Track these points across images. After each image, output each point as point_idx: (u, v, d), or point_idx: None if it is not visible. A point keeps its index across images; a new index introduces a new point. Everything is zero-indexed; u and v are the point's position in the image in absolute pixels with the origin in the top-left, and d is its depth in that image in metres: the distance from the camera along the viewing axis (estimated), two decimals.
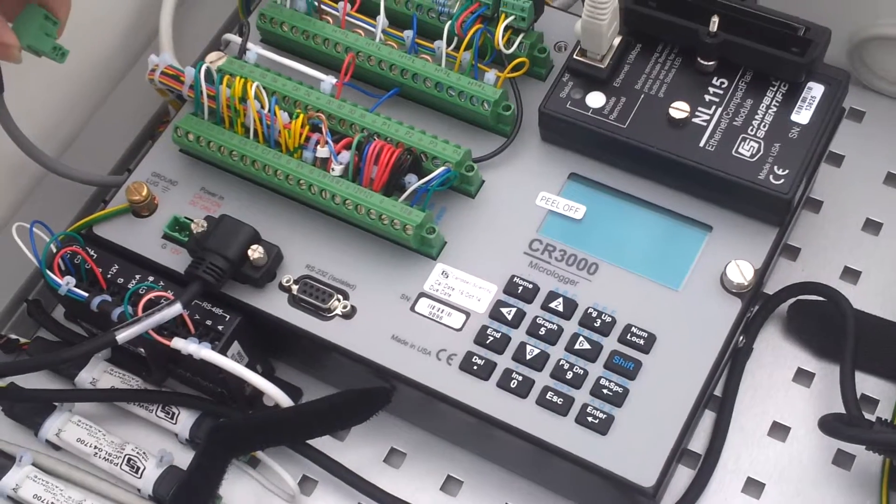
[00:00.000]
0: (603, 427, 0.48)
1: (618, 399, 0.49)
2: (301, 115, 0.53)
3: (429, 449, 0.55)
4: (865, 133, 0.61)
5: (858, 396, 0.52)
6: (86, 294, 0.53)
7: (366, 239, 0.54)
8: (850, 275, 0.58)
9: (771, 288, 0.57)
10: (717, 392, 0.55)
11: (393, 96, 0.56)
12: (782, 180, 0.50)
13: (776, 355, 0.56)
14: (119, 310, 0.52)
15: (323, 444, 0.55)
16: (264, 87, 0.54)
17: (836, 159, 0.61)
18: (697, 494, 0.52)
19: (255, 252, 0.52)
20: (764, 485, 0.53)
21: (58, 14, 0.49)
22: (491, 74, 0.54)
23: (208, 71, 0.55)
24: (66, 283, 0.53)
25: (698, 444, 0.54)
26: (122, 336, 0.50)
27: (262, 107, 0.54)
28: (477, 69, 0.55)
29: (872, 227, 0.59)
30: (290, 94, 0.55)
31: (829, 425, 0.48)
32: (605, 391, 0.49)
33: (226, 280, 0.52)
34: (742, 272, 0.50)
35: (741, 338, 0.55)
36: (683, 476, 0.53)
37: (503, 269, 0.52)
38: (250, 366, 0.54)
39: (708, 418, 0.55)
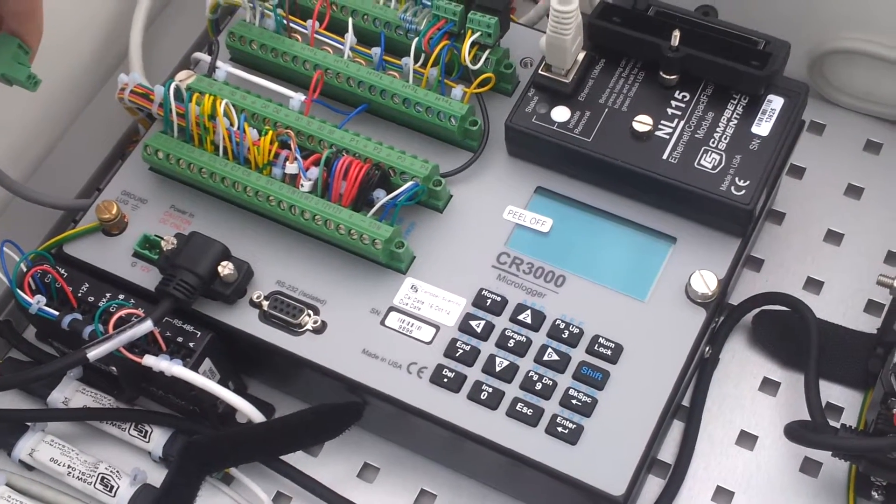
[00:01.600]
0: (573, 437, 0.49)
1: (587, 409, 0.49)
2: (270, 132, 0.54)
3: (402, 463, 0.56)
4: (826, 146, 0.62)
5: (823, 404, 0.53)
6: (56, 313, 0.53)
7: (335, 254, 0.54)
8: (813, 285, 0.59)
9: (736, 299, 0.57)
10: (686, 402, 0.56)
11: (361, 113, 0.56)
12: (743, 191, 0.51)
13: (742, 365, 0.57)
14: (90, 328, 0.52)
15: (296, 459, 0.55)
16: (233, 105, 0.55)
17: (798, 172, 0.62)
18: (668, 503, 0.53)
19: (226, 268, 0.52)
20: (733, 493, 0.54)
21: (30, 43, 0.50)
22: (458, 90, 0.55)
23: (178, 89, 0.55)
24: (37, 302, 0.53)
25: (668, 453, 0.55)
26: (94, 353, 0.50)
27: (232, 124, 0.54)
28: (444, 85, 0.55)
29: (834, 237, 0.60)
30: (259, 112, 0.55)
31: (795, 432, 0.49)
32: (573, 401, 0.49)
33: (196, 297, 0.52)
34: (706, 282, 0.51)
35: (707, 348, 0.56)
36: (654, 486, 0.54)
37: (472, 282, 0.53)
38: (222, 382, 0.54)
39: (677, 429, 0.55)
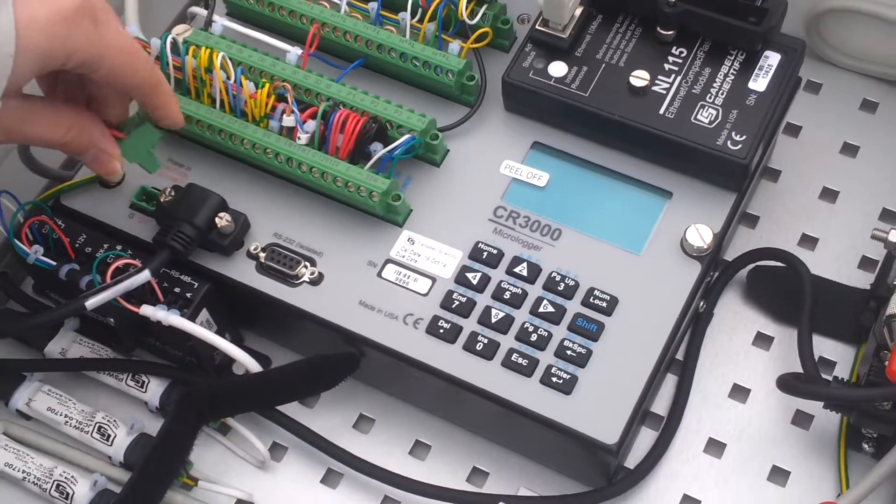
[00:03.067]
0: (567, 387, 0.49)
1: (581, 360, 0.50)
2: (267, 85, 0.54)
3: (397, 414, 0.56)
4: (822, 105, 0.63)
5: (816, 358, 0.54)
6: (54, 263, 0.53)
7: (332, 207, 0.54)
8: (808, 241, 0.59)
9: (731, 255, 0.58)
10: (680, 356, 0.56)
11: (358, 67, 0.56)
12: (740, 146, 0.51)
13: (736, 320, 0.57)
14: (87, 278, 0.52)
15: (292, 410, 0.55)
16: (230, 58, 0.55)
17: (794, 130, 0.62)
18: (661, 454, 0.53)
19: (223, 220, 0.52)
20: (725, 444, 0.54)
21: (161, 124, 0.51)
22: (455, 45, 0.55)
23: (174, 42, 0.55)
24: (35, 252, 0.53)
25: (661, 406, 0.55)
26: (91, 302, 0.50)
27: (228, 77, 0.54)
28: (441, 40, 0.55)
29: (829, 195, 0.60)
30: (255, 65, 0.55)
31: (787, 383, 0.50)
32: (568, 352, 0.50)
33: (194, 248, 0.53)
34: (701, 236, 0.51)
35: (702, 303, 0.56)
36: (647, 437, 0.54)
37: (468, 235, 0.53)
38: (219, 334, 0.54)
39: (671, 382, 0.56)
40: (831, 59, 0.63)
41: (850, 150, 0.61)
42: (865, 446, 0.52)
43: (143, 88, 0.48)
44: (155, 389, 0.56)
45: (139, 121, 0.51)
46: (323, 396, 0.57)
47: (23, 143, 0.53)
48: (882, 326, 0.47)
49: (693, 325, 0.56)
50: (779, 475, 0.53)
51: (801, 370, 0.52)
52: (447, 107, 0.56)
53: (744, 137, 0.51)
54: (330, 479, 0.55)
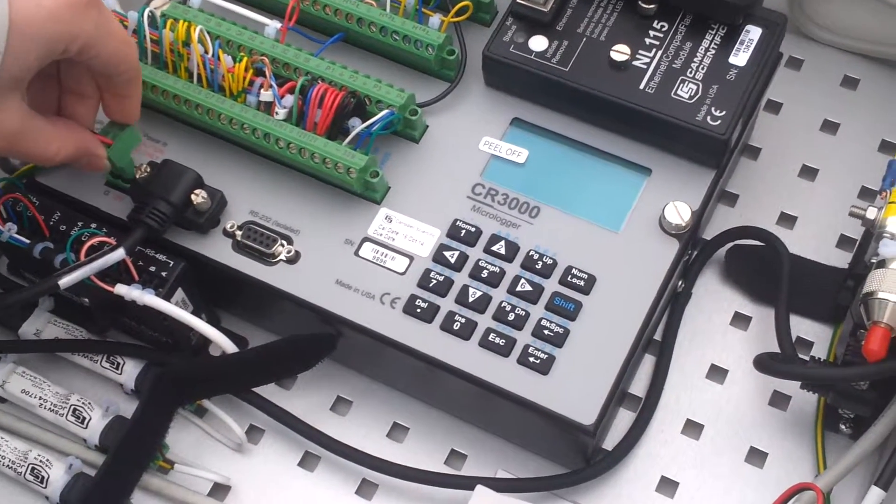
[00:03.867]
0: (544, 367, 0.49)
1: (559, 339, 0.49)
2: (245, 59, 0.53)
3: (375, 396, 0.56)
4: (803, 81, 0.62)
5: (794, 338, 0.54)
6: (28, 241, 0.52)
7: (310, 184, 0.54)
8: (787, 220, 0.59)
9: (710, 234, 0.57)
10: (658, 337, 0.56)
11: (337, 41, 0.56)
12: (719, 121, 0.51)
13: (714, 300, 0.57)
14: (62, 256, 0.52)
15: (269, 392, 0.55)
16: (208, 32, 0.54)
17: (775, 107, 0.62)
18: (638, 435, 0.53)
19: (199, 197, 0.52)
20: (703, 426, 0.54)
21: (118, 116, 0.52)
22: (435, 19, 0.54)
23: (152, 15, 0.54)
24: (8, 230, 0.52)
25: (639, 387, 0.55)
26: (65, 281, 0.50)
27: (206, 51, 0.54)
28: (421, 14, 0.55)
29: (809, 173, 0.60)
30: (234, 39, 0.55)
31: (764, 363, 0.49)
32: (546, 332, 0.49)
33: (169, 225, 0.52)
34: (680, 213, 0.51)
35: (680, 283, 0.56)
36: (625, 418, 0.54)
37: (446, 213, 0.53)
38: (195, 314, 0.54)
39: (648, 362, 0.56)
40: (813, 35, 0.63)
41: (830, 127, 0.61)
42: (843, 427, 0.52)
43: (129, 75, 0.49)
44: (130, 371, 0.55)
45: (121, 125, 0.52)
46: (300, 378, 0.56)
47: (17, 158, 0.54)
48: (859, 305, 0.47)
49: (671, 304, 0.56)
50: (756, 456, 0.53)
51: (778, 350, 0.52)
52: (427, 82, 0.56)
53: (723, 113, 0.51)
54: (308, 461, 0.55)
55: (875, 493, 0.47)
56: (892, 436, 0.50)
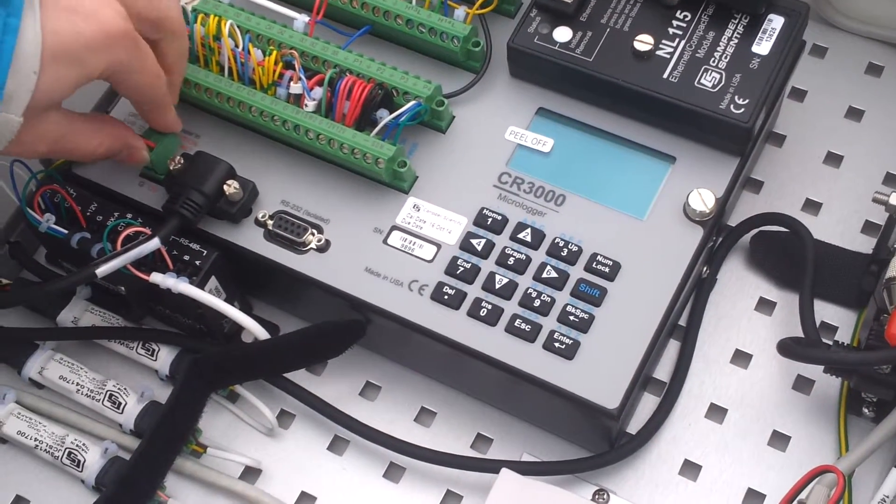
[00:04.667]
0: (569, 352, 0.50)
1: (584, 325, 0.50)
2: (274, 53, 0.54)
3: (403, 382, 0.57)
4: (827, 69, 0.63)
5: (818, 323, 0.54)
6: (65, 231, 0.54)
7: (339, 174, 0.55)
8: (812, 206, 0.59)
9: (734, 220, 0.58)
10: (682, 322, 0.56)
11: (364, 34, 0.57)
12: (742, 109, 0.51)
13: (739, 285, 0.57)
14: (98, 246, 0.53)
15: (300, 378, 0.56)
16: (238, 26, 0.55)
17: (800, 94, 0.62)
18: (662, 419, 0.54)
19: (231, 187, 0.53)
20: (726, 410, 0.55)
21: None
22: (461, 11, 0.55)
23: (183, 10, 0.55)
24: (47, 221, 0.54)
25: (664, 372, 0.56)
26: (102, 270, 0.51)
27: (237, 45, 0.55)
28: (447, 6, 0.55)
29: (833, 159, 0.60)
30: (263, 33, 0.56)
31: (787, 347, 0.50)
32: (571, 318, 0.50)
33: (202, 215, 0.53)
34: (704, 200, 0.52)
35: (705, 269, 0.56)
36: (650, 403, 0.55)
37: (473, 201, 0.53)
38: (228, 302, 0.55)
39: (673, 348, 0.56)
40: (837, 23, 0.63)
41: (855, 114, 0.61)
42: (865, 411, 0.53)
43: (155, 104, 0.52)
44: (165, 358, 0.56)
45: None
46: (330, 364, 0.57)
47: (63, 158, 0.56)
48: (882, 290, 0.48)
49: (696, 290, 0.56)
50: (779, 440, 0.54)
51: (802, 335, 0.53)
52: (453, 73, 0.56)
53: (746, 101, 0.51)
54: (337, 445, 0.56)
55: (895, 475, 0.48)
56: None
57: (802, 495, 0.48)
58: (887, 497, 0.48)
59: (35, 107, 0.45)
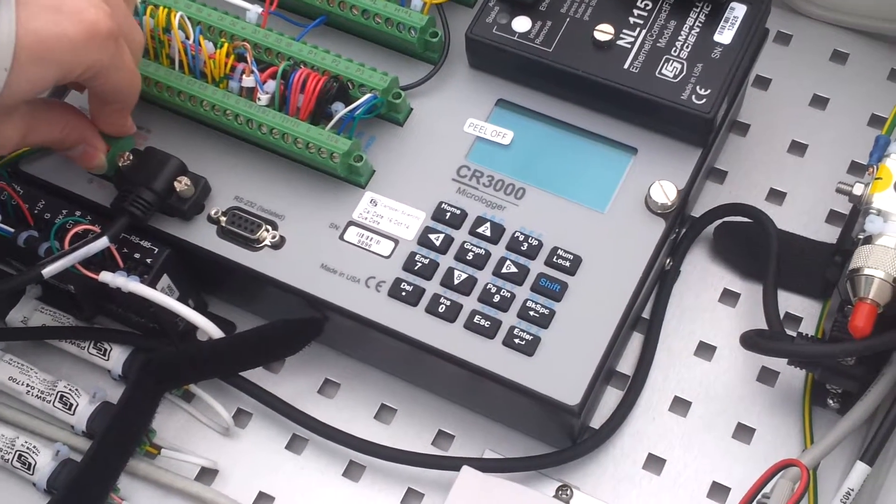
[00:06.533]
0: (529, 348, 0.49)
1: (544, 321, 0.49)
2: (226, 45, 0.53)
3: (362, 379, 0.56)
4: (792, 56, 0.62)
5: (782, 314, 0.54)
6: (12, 230, 0.52)
7: (294, 169, 0.53)
8: (776, 196, 0.59)
9: (699, 211, 0.57)
10: (646, 314, 0.56)
11: (319, 25, 0.55)
12: (704, 100, 0.50)
13: (703, 277, 0.57)
14: (46, 245, 0.51)
15: (257, 376, 0.55)
16: (189, 18, 0.54)
17: (764, 83, 0.61)
18: (626, 413, 0.53)
19: (182, 184, 0.52)
20: (690, 403, 0.54)
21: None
22: (418, 1, 0.54)
23: None
24: None
25: (628, 365, 0.55)
26: (49, 269, 0.50)
27: (187, 37, 0.53)
28: None
29: (798, 148, 0.60)
30: (215, 24, 0.54)
31: (750, 340, 0.49)
32: (531, 313, 0.49)
33: (153, 213, 0.52)
34: (665, 192, 0.51)
35: (668, 260, 0.56)
36: (614, 396, 0.54)
37: (431, 195, 0.52)
38: (182, 300, 0.54)
39: (637, 340, 0.55)
40: (801, 10, 0.62)
41: (819, 102, 0.61)
42: (831, 402, 0.52)
43: (126, 104, 0.50)
44: (118, 357, 0.55)
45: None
46: (287, 362, 0.56)
47: (29, 146, 0.54)
48: (845, 281, 0.47)
49: (659, 282, 0.56)
50: (744, 432, 0.53)
51: (766, 327, 0.52)
52: (411, 64, 0.55)
53: (708, 91, 0.51)
54: (295, 444, 0.55)
55: (860, 468, 0.47)
56: (879, 411, 0.50)
57: (766, 489, 0.48)
58: (852, 490, 0.47)
59: (2, 104, 0.44)
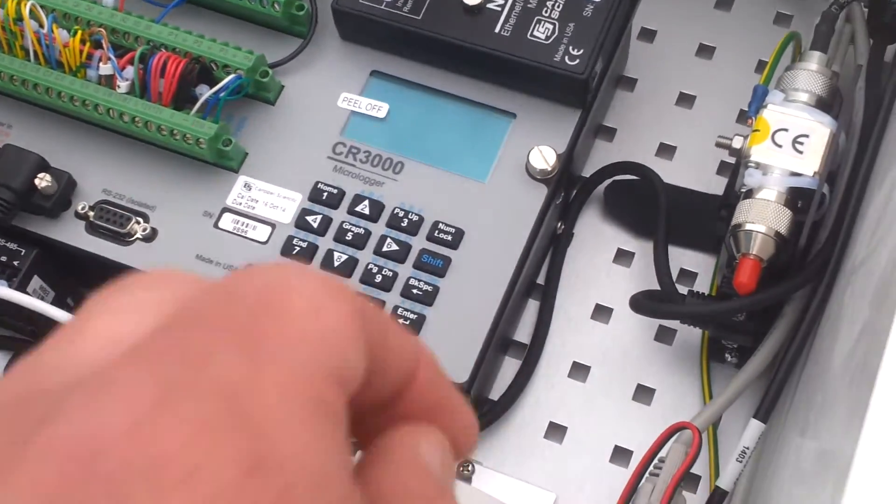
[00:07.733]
0: (415, 327, 0.47)
1: (428, 298, 0.48)
2: (80, 32, 0.51)
3: None
4: (676, 6, 0.60)
5: (677, 271, 0.53)
6: None
7: (163, 157, 0.51)
8: (666, 151, 0.57)
9: (589, 171, 0.56)
10: (541, 280, 0.55)
11: (181, 5, 0.53)
12: (577, 61, 0.49)
13: (596, 239, 0.56)
14: None
15: None
16: (41, 6, 0.51)
17: (649, 35, 0.60)
18: (524, 383, 0.52)
19: (43, 181, 0.49)
20: (589, 367, 0.53)
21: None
22: None
23: None
24: None
25: (525, 334, 0.54)
26: None
27: (41, 26, 0.51)
28: None
29: (686, 100, 0.58)
30: (69, 11, 0.52)
31: (639, 303, 0.49)
32: (415, 291, 0.48)
33: (15, 213, 0.50)
34: (545, 158, 0.49)
35: (560, 224, 0.54)
36: (512, 366, 0.53)
37: (307, 176, 0.51)
38: (59, 299, 0.52)
39: (533, 308, 0.54)
40: None
41: (706, 51, 0.60)
42: (728, 357, 0.52)
43: None
44: None
45: None
46: None
47: None
48: (729, 237, 0.46)
49: (552, 247, 0.55)
50: (644, 394, 0.53)
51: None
52: (281, 40, 0.53)
53: (581, 51, 0.49)
54: None
55: (754, 425, 0.47)
56: (773, 365, 0.49)
57: (662, 453, 0.47)
58: (748, 448, 0.47)
59: None
